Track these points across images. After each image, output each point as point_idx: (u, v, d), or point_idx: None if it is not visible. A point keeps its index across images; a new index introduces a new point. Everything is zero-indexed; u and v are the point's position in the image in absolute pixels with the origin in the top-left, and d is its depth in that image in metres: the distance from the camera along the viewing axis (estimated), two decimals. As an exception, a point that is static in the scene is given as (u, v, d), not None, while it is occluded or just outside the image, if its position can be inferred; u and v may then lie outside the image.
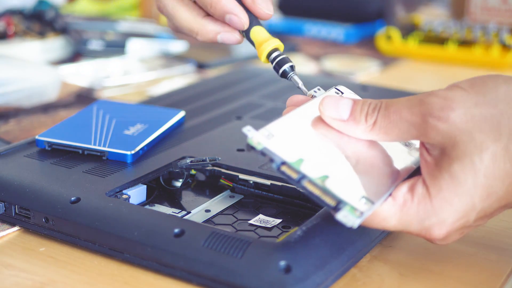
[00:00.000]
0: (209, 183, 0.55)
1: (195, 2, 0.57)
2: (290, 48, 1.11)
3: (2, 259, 0.46)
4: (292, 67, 0.53)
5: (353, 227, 0.39)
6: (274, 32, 1.11)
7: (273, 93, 0.76)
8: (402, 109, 0.41)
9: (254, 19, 0.55)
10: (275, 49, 0.53)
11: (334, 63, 1.03)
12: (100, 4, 1.29)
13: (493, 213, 0.42)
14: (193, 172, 0.55)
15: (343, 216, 0.39)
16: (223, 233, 0.42)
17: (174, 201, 0.53)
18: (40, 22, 1.04)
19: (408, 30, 1.16)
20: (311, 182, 0.39)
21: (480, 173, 0.40)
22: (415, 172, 0.44)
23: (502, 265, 0.46)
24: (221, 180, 0.54)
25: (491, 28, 1.08)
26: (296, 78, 0.53)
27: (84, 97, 0.83)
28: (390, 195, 0.41)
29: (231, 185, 0.54)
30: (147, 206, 0.51)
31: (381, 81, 0.92)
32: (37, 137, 0.56)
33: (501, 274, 0.45)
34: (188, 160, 0.53)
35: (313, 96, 0.48)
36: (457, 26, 1.11)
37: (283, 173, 0.40)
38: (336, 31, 1.23)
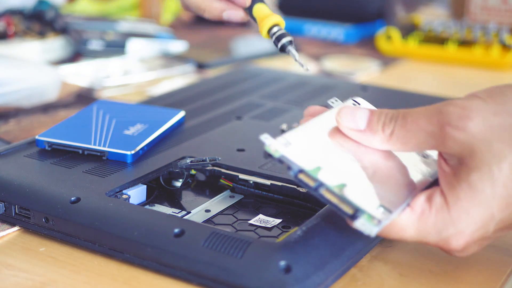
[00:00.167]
0: (209, 183, 0.55)
1: None
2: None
3: (2, 259, 0.46)
4: (290, 42, 0.54)
5: (371, 236, 0.39)
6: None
7: (273, 93, 0.76)
8: (419, 119, 0.41)
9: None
10: (276, 25, 0.55)
11: (334, 63, 1.03)
12: (100, 4, 1.29)
13: None
14: (193, 172, 0.55)
15: (361, 224, 0.39)
16: (223, 233, 0.42)
17: (174, 201, 0.53)
18: (40, 22, 1.04)
19: (408, 30, 1.16)
20: (329, 190, 0.39)
21: (498, 183, 0.39)
22: (433, 184, 0.44)
23: (502, 265, 0.46)
24: (221, 180, 0.54)
25: (491, 28, 1.08)
26: (293, 51, 0.54)
27: (84, 97, 0.83)
28: (408, 205, 0.41)
29: (231, 185, 0.54)
30: (147, 206, 0.51)
31: (381, 81, 0.92)
32: (37, 137, 0.56)
33: (501, 274, 0.45)
34: (188, 160, 0.53)
35: (329, 107, 0.48)
36: (457, 26, 1.11)
37: (300, 181, 0.40)
38: (336, 31, 1.23)
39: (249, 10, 0.57)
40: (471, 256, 0.47)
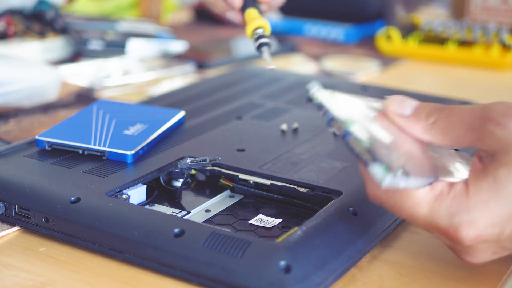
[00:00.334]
0: (209, 183, 0.55)
1: None
2: (290, 48, 1.11)
3: (2, 259, 0.46)
4: (266, 43, 0.60)
5: (381, 184, 0.39)
6: (274, 32, 1.10)
7: (273, 93, 0.76)
8: (463, 112, 0.42)
9: (251, 2, 0.63)
10: (261, 28, 0.61)
11: (334, 63, 1.03)
12: (99, 3, 1.29)
13: None
14: (193, 172, 0.55)
15: (376, 169, 0.39)
16: (223, 233, 0.42)
17: (174, 201, 0.53)
18: (40, 22, 1.04)
19: (408, 30, 1.16)
20: (356, 139, 0.40)
21: None
22: None
23: (502, 265, 0.46)
24: (221, 180, 0.54)
25: (491, 28, 1.08)
26: (265, 52, 0.60)
27: (84, 97, 0.83)
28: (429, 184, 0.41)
29: (231, 185, 0.54)
30: (147, 206, 0.51)
31: (381, 81, 0.92)
32: (37, 137, 0.56)
33: (501, 274, 0.45)
34: (188, 160, 0.53)
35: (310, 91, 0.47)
36: (457, 26, 1.11)
37: (331, 126, 0.42)
38: (336, 31, 1.23)
39: (243, 13, 0.61)
40: (471, 256, 0.47)
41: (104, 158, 0.54)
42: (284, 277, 0.40)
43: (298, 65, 1.05)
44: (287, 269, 0.40)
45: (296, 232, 0.43)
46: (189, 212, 0.50)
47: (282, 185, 0.52)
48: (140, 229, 0.44)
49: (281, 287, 0.39)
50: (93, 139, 0.55)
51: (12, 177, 0.51)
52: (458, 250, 0.42)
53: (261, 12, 0.65)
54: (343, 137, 0.41)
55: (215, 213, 0.50)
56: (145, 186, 0.52)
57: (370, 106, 0.46)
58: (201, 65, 0.99)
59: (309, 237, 0.42)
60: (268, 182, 0.52)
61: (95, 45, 0.97)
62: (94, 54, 0.98)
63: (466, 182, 0.41)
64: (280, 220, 0.49)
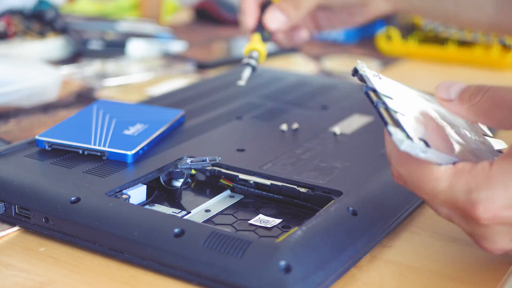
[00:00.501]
0: (209, 183, 0.55)
1: None
2: (290, 48, 1.11)
3: (2, 259, 0.46)
4: (251, 65, 0.69)
5: (399, 146, 0.40)
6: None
7: (273, 93, 0.76)
8: (507, 94, 0.43)
9: (259, 28, 0.73)
10: (256, 51, 0.70)
11: (334, 63, 1.03)
12: (100, 4, 1.29)
13: None
14: (193, 172, 0.55)
15: (394, 132, 0.40)
16: (223, 233, 0.42)
17: (174, 201, 0.53)
18: (40, 22, 1.04)
19: (408, 30, 1.16)
20: (387, 109, 0.42)
21: None
22: None
23: (502, 265, 0.46)
24: (221, 180, 0.54)
25: (491, 28, 1.08)
26: (246, 72, 0.68)
27: (84, 97, 0.83)
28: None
29: (231, 185, 0.54)
30: (147, 206, 0.51)
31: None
32: (37, 137, 0.56)
33: (501, 274, 0.45)
34: (188, 160, 0.53)
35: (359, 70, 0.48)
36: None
37: (368, 95, 0.43)
38: (336, 31, 1.23)
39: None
40: (471, 256, 0.47)
41: (104, 158, 0.54)
42: (284, 277, 0.40)
43: (298, 65, 1.05)
44: (287, 269, 0.40)
45: (296, 232, 0.43)
46: (189, 212, 0.50)
47: (282, 185, 0.52)
48: (140, 229, 0.44)
49: (281, 287, 0.39)
50: (93, 139, 0.55)
51: (12, 177, 0.51)
52: (477, 235, 0.42)
53: (265, 39, 0.73)
54: (375, 105, 0.43)
55: (215, 213, 0.50)
56: (145, 186, 0.52)
57: (416, 93, 0.48)
58: (201, 65, 0.99)
59: (309, 237, 0.42)
60: (268, 182, 0.52)
61: (95, 45, 0.97)
62: (94, 54, 0.98)
63: (491, 163, 0.41)
64: (280, 220, 0.49)
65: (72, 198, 0.47)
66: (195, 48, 1.08)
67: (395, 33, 1.12)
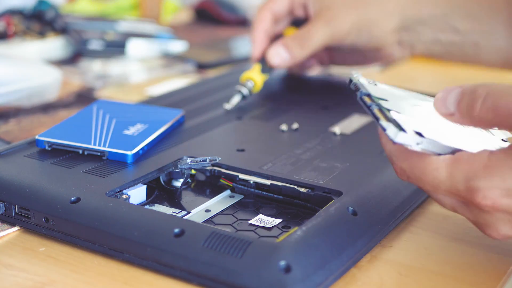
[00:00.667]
0: (209, 183, 0.55)
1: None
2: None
3: (2, 259, 0.46)
4: (242, 94, 0.71)
5: (393, 139, 0.41)
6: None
7: (273, 93, 0.76)
8: (510, 100, 0.40)
9: (262, 60, 0.75)
10: (251, 80, 0.72)
11: (334, 63, 1.03)
12: (100, 4, 1.29)
13: None
14: (193, 172, 0.55)
15: (387, 126, 0.41)
16: (223, 233, 0.42)
17: (174, 201, 0.53)
18: (40, 22, 1.04)
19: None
20: (380, 110, 0.43)
21: None
22: None
23: (502, 265, 0.46)
24: (221, 180, 0.54)
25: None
26: (235, 98, 0.70)
27: (84, 97, 0.83)
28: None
29: (231, 185, 0.54)
30: (147, 206, 0.51)
31: (381, 81, 0.92)
32: (37, 137, 0.56)
33: (501, 274, 0.45)
34: (188, 160, 0.53)
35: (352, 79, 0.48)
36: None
37: (362, 100, 0.44)
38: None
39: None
40: (471, 256, 0.47)
41: (104, 158, 0.54)
42: (284, 277, 0.40)
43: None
44: (287, 269, 0.40)
45: (296, 232, 0.43)
46: (189, 212, 0.50)
47: (282, 185, 0.52)
48: (140, 229, 0.44)
49: (281, 287, 0.39)
50: (93, 139, 0.55)
51: (12, 177, 0.51)
52: (480, 223, 0.43)
53: (266, 71, 0.74)
54: (369, 107, 0.43)
55: (215, 213, 0.50)
56: (145, 186, 0.52)
57: (416, 96, 0.48)
58: (201, 65, 0.99)
59: (309, 237, 0.42)
60: (268, 182, 0.52)
61: (95, 45, 0.97)
62: (94, 54, 0.98)
63: (490, 152, 0.41)
64: (280, 220, 0.49)
65: (72, 198, 0.47)
66: (195, 48, 1.08)
67: (395, 33, 1.11)
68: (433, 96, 0.47)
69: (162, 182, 0.54)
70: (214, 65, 0.99)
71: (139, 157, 0.54)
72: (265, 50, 0.76)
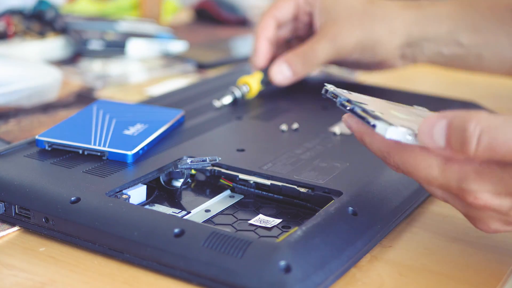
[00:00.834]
0: (209, 183, 0.55)
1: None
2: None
3: (2, 259, 0.46)
4: (235, 95, 0.71)
5: (384, 135, 0.41)
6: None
7: (273, 93, 0.76)
8: (508, 142, 0.38)
9: (265, 69, 0.74)
10: (247, 85, 0.72)
11: (334, 63, 1.03)
12: (100, 4, 1.29)
13: None
14: (193, 172, 0.55)
15: (377, 123, 0.42)
16: (223, 233, 0.42)
17: (174, 201, 0.53)
18: (40, 22, 1.04)
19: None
20: (365, 111, 0.44)
21: None
22: None
23: (502, 265, 0.46)
24: (221, 180, 0.54)
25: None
26: (227, 97, 0.70)
27: (84, 97, 0.83)
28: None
29: (231, 185, 0.54)
30: (147, 206, 0.51)
31: (381, 81, 0.92)
32: (37, 137, 0.56)
33: (501, 274, 0.45)
34: (188, 160, 0.53)
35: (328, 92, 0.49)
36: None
37: (343, 105, 0.45)
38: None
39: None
40: (471, 256, 0.47)
41: (104, 158, 0.54)
42: (284, 277, 0.40)
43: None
44: (287, 269, 0.40)
45: (296, 232, 0.43)
46: (189, 212, 0.50)
47: (282, 185, 0.52)
48: (140, 229, 0.44)
49: (281, 287, 0.39)
50: (93, 139, 0.55)
51: (12, 177, 0.51)
52: (471, 217, 0.44)
53: (265, 83, 0.74)
54: (353, 109, 0.45)
55: (215, 213, 0.50)
56: (145, 186, 0.52)
57: (392, 104, 0.48)
58: (201, 65, 0.99)
59: (309, 237, 0.42)
60: (268, 182, 0.52)
61: (95, 45, 0.97)
62: (94, 54, 0.98)
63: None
64: (280, 220, 0.49)
65: (72, 198, 0.47)
66: (195, 48, 1.08)
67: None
68: (408, 104, 0.49)
69: (162, 182, 0.54)
70: (214, 65, 0.99)
71: (139, 157, 0.54)
72: (268, 58, 0.76)
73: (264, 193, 0.53)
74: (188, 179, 0.54)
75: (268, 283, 0.40)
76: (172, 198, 0.53)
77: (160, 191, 0.54)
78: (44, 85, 0.77)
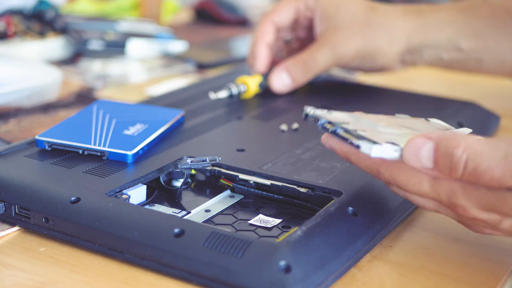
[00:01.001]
0: (209, 183, 0.55)
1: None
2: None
3: (2, 259, 0.46)
4: (231, 91, 0.71)
5: (369, 154, 0.42)
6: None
7: (273, 93, 0.76)
8: (493, 170, 0.39)
9: (266, 75, 0.75)
10: (244, 84, 0.73)
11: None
12: (100, 4, 1.29)
13: None
14: (193, 172, 0.55)
15: (361, 143, 0.42)
16: (223, 233, 0.42)
17: (174, 201, 0.53)
18: (40, 22, 1.04)
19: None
20: (346, 131, 0.44)
21: None
22: None
23: (502, 265, 0.46)
24: (221, 180, 0.54)
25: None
26: (223, 91, 0.71)
27: (84, 97, 0.83)
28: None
29: (231, 185, 0.54)
30: (147, 206, 0.51)
31: (381, 81, 0.92)
32: (37, 137, 0.56)
33: (501, 274, 0.45)
34: (188, 160, 0.53)
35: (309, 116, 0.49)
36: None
37: (324, 128, 0.46)
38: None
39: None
40: (471, 256, 0.47)
41: (104, 158, 0.54)
42: (284, 277, 0.40)
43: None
44: (287, 269, 0.40)
45: (296, 232, 0.43)
46: (189, 212, 0.50)
47: (282, 185, 0.52)
48: (140, 229, 0.44)
49: (281, 287, 0.39)
50: (93, 139, 0.55)
51: (12, 177, 0.51)
52: (464, 223, 0.44)
53: (263, 87, 0.74)
54: (335, 131, 0.45)
55: (215, 213, 0.50)
56: (145, 186, 0.52)
57: (374, 116, 0.49)
58: (201, 65, 0.99)
59: (309, 237, 0.42)
60: (268, 182, 0.52)
61: (95, 45, 0.97)
62: (94, 54, 0.98)
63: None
64: (280, 220, 0.49)
65: (72, 198, 0.47)
66: (195, 48, 1.08)
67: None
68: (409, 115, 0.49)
69: (162, 182, 0.54)
70: (214, 65, 0.99)
71: (139, 157, 0.54)
72: (268, 63, 0.76)
73: (264, 193, 0.53)
74: (188, 179, 0.54)
75: (268, 283, 0.40)
76: (172, 198, 0.53)
77: (160, 191, 0.54)
78: (44, 85, 0.77)
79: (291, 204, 0.52)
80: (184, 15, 1.44)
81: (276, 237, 0.47)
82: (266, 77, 0.75)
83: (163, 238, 0.43)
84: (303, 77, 0.74)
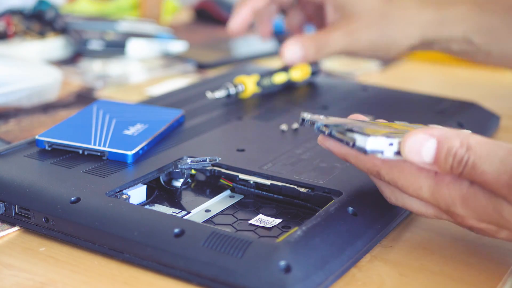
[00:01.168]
0: (209, 183, 0.55)
1: None
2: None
3: (2, 259, 0.46)
4: (229, 91, 0.71)
5: (364, 148, 0.42)
6: (275, 31, 1.10)
7: (273, 93, 0.76)
8: (488, 174, 0.40)
9: (264, 73, 0.75)
10: (242, 84, 0.72)
11: (334, 63, 1.03)
12: (100, 4, 1.29)
13: None
14: (193, 172, 0.55)
15: (356, 137, 0.42)
16: (223, 233, 0.42)
17: (174, 201, 0.53)
18: (40, 22, 1.04)
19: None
20: (340, 131, 0.44)
21: None
22: None
23: (502, 265, 0.46)
24: (221, 180, 0.54)
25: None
26: (221, 91, 0.70)
27: (84, 97, 0.83)
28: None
29: (231, 185, 0.54)
30: (147, 206, 0.51)
31: (381, 81, 0.92)
32: (37, 137, 0.56)
33: (501, 274, 0.45)
34: (188, 160, 0.53)
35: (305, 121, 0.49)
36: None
37: (320, 131, 0.46)
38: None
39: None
40: (471, 256, 0.47)
41: (104, 158, 0.54)
42: (284, 277, 0.40)
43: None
44: (287, 269, 0.40)
45: (296, 232, 0.43)
46: (189, 212, 0.50)
47: (282, 185, 0.52)
48: (140, 229, 0.44)
49: (281, 287, 0.39)
50: (93, 139, 0.55)
51: (12, 177, 0.51)
52: (465, 227, 0.44)
53: (263, 87, 0.74)
54: (330, 133, 0.45)
55: (215, 213, 0.50)
56: (145, 186, 0.52)
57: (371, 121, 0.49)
58: (201, 65, 0.99)
59: (309, 237, 0.42)
60: (268, 182, 0.52)
61: (95, 45, 0.97)
62: (94, 54, 0.98)
63: (470, 183, 0.41)
64: (280, 220, 0.49)
65: (72, 198, 0.47)
66: (195, 48, 1.08)
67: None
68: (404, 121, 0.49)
69: (162, 182, 0.54)
70: (214, 65, 0.99)
71: (139, 157, 0.54)
72: (245, 27, 0.78)
73: (264, 193, 0.53)
74: (188, 179, 0.54)
75: (268, 283, 0.40)
76: (172, 198, 0.53)
77: (160, 191, 0.54)
78: (44, 85, 0.77)
79: (291, 204, 0.52)
80: (184, 15, 1.44)
81: (276, 237, 0.47)
82: (263, 76, 0.75)
83: (163, 238, 0.43)
84: (314, 55, 0.75)
